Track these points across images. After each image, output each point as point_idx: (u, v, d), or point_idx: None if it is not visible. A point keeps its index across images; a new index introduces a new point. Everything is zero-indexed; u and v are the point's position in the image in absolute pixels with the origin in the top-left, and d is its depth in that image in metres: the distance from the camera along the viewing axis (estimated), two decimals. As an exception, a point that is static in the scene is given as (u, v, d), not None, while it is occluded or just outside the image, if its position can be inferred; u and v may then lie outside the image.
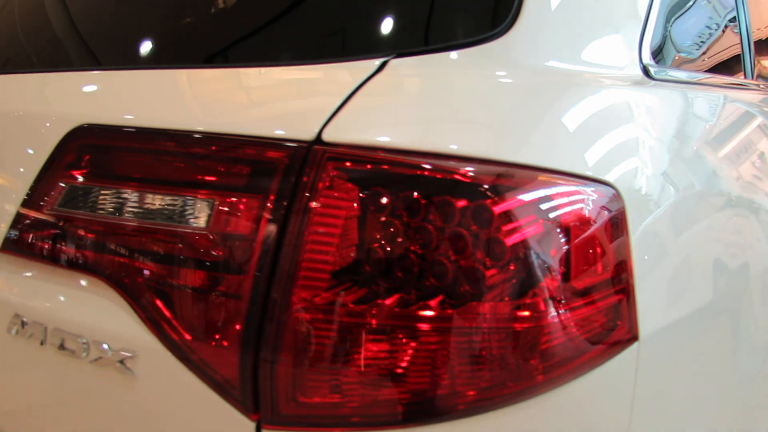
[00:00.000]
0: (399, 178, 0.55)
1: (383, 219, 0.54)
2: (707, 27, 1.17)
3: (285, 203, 0.56)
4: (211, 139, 0.60)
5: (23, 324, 0.70)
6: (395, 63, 0.63)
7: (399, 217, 0.54)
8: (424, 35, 0.67)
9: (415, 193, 0.54)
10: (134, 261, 0.62)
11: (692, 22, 1.11)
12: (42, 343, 0.68)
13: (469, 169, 0.55)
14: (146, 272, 0.61)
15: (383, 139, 0.56)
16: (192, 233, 0.59)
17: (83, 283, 0.67)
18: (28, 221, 0.69)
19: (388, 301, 0.54)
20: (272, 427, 0.57)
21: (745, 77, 1.31)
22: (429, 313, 0.54)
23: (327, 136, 0.57)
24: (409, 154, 0.56)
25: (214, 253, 0.58)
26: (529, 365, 0.56)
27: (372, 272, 0.54)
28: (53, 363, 0.68)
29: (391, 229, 0.54)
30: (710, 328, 0.72)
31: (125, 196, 0.63)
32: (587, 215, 0.59)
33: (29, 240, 0.69)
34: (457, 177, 0.55)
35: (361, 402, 0.55)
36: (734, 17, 1.30)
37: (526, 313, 0.55)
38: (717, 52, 1.21)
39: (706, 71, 1.12)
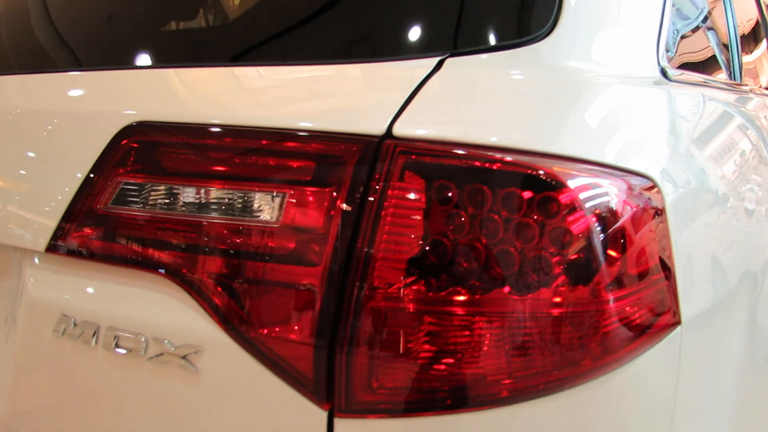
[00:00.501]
0: (467, 171, 0.57)
1: (452, 211, 0.56)
2: (702, 29, 1.23)
3: (358, 196, 0.57)
4: (279, 134, 0.61)
5: (74, 324, 0.69)
6: (451, 62, 0.65)
7: (467, 208, 0.56)
8: (475, 36, 0.70)
9: (484, 186, 0.57)
10: (200, 256, 0.62)
11: (688, 25, 1.17)
12: (94, 343, 0.68)
13: (534, 163, 0.57)
14: (214, 267, 0.62)
15: (451, 134, 0.58)
16: (262, 227, 0.60)
17: (141, 280, 0.67)
18: (77, 220, 0.68)
19: (458, 291, 0.56)
20: (345, 415, 0.58)
21: (732, 76, 1.38)
22: (498, 301, 0.57)
23: (397, 131, 0.58)
24: (476, 148, 0.58)
25: (286, 246, 0.59)
26: (588, 350, 0.59)
27: (443, 263, 0.56)
28: (107, 362, 0.68)
29: (460, 221, 0.56)
30: (741, 313, 0.77)
31: (187, 192, 0.63)
32: (635, 205, 0.62)
33: (79, 239, 0.69)
34: (523, 170, 0.57)
35: (432, 387, 0.57)
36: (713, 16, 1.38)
37: (588, 300, 0.58)
38: (709, 53, 1.27)
39: (704, 71, 1.18)
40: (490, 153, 0.58)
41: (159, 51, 0.77)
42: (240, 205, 0.61)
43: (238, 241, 0.61)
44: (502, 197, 0.57)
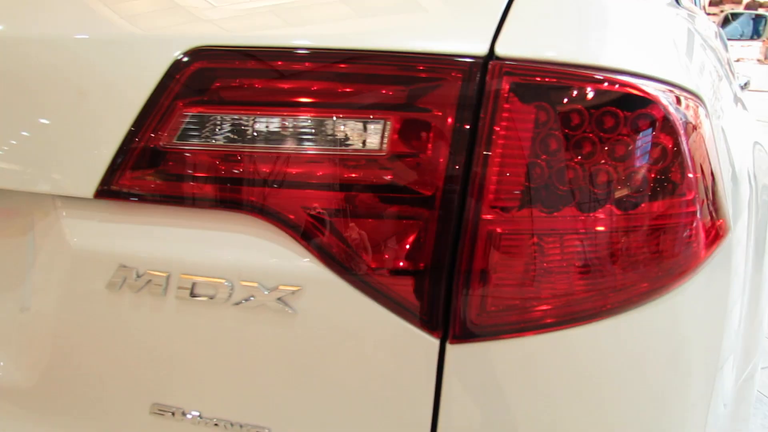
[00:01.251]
0: (571, 90, 0.57)
1: (560, 130, 0.56)
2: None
3: (467, 119, 0.56)
4: (373, 56, 0.57)
5: (136, 275, 0.63)
6: (528, -18, 0.64)
7: (573, 128, 0.56)
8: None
9: (587, 105, 0.57)
10: (297, 191, 0.58)
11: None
12: (163, 293, 0.63)
13: (633, 82, 0.58)
14: (314, 203, 0.58)
15: (552, 53, 0.58)
16: (367, 156, 0.57)
17: (218, 222, 0.62)
18: (135, 160, 0.61)
19: (569, 210, 0.57)
20: (457, 341, 0.59)
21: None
22: (605, 219, 0.58)
23: (500, 52, 0.57)
24: (577, 67, 0.58)
25: (393, 175, 0.57)
26: (678, 260, 0.62)
27: (553, 183, 0.56)
28: (182, 312, 0.63)
29: (568, 140, 0.56)
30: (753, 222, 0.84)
31: (273, 123, 0.58)
32: (699, 122, 0.65)
33: (139, 181, 0.62)
34: (624, 90, 0.58)
35: (542, 306, 0.58)
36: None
37: (680, 211, 0.61)
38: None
39: None
40: (589, 72, 0.58)
41: None
42: (339, 135, 0.58)
43: (340, 172, 0.58)
44: (604, 115, 0.57)
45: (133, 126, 0.61)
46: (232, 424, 0.67)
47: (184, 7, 0.64)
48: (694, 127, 0.63)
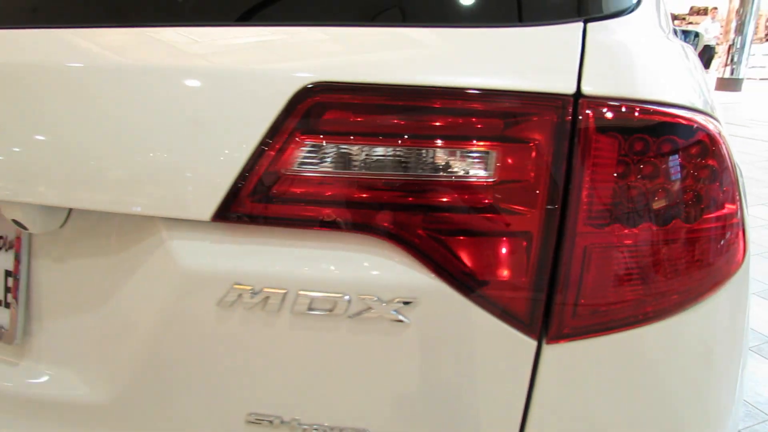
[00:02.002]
0: (649, 124, 0.67)
1: (642, 159, 0.66)
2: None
3: (562, 149, 0.64)
4: (474, 94, 0.64)
5: (252, 293, 0.67)
6: (591, 26, 0.73)
7: (653, 157, 0.66)
8: (597, 5, 0.78)
9: (663, 137, 0.67)
10: (413, 214, 0.64)
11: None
12: (279, 309, 0.67)
13: (690, 116, 0.69)
14: (429, 223, 0.64)
15: (626, 92, 0.67)
16: (476, 182, 0.64)
17: (331, 242, 0.67)
18: (254, 185, 0.65)
19: (651, 227, 0.67)
20: (553, 341, 0.67)
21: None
22: (674, 230, 0.68)
23: (586, 90, 0.66)
24: (653, 104, 0.68)
25: (500, 198, 0.64)
26: (721, 265, 0.73)
27: (638, 203, 0.66)
28: (296, 326, 0.67)
29: (649, 168, 0.66)
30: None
31: (386, 152, 0.64)
32: (725, 139, 0.77)
33: (256, 204, 0.66)
34: (685, 121, 0.68)
35: (628, 307, 0.67)
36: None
37: (732, 222, 0.72)
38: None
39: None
40: (654, 107, 0.68)
41: (329, 9, 0.73)
42: (449, 163, 0.65)
43: (452, 196, 0.65)
44: (679, 146, 0.68)
45: (252, 154, 0.65)
46: (332, 429, 0.72)
47: (301, 44, 0.69)
48: (725, 145, 0.74)
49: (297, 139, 0.65)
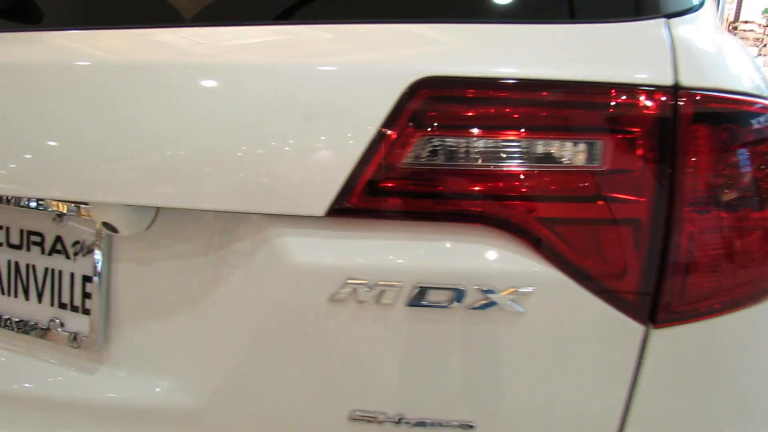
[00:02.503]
0: (740, 112, 0.70)
1: (737, 148, 0.69)
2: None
3: (666, 139, 0.67)
4: (580, 86, 0.66)
5: (367, 288, 0.67)
6: (672, 22, 0.76)
7: (747, 145, 0.69)
8: (673, 2, 0.81)
9: (749, 124, 0.70)
10: (529, 203, 0.66)
11: None
12: (392, 303, 0.67)
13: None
14: (545, 212, 0.66)
15: (721, 83, 0.70)
16: (586, 170, 0.66)
17: (446, 233, 0.68)
18: (369, 179, 0.66)
19: (749, 213, 0.69)
20: (660, 326, 0.69)
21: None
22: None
23: (683, 82, 0.68)
24: (739, 94, 0.71)
25: (610, 186, 0.66)
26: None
27: (735, 188, 0.69)
28: (411, 319, 0.68)
29: (745, 156, 0.69)
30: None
31: (501, 144, 0.66)
32: None
33: (371, 199, 0.66)
34: (769, 111, 0.72)
35: (731, 291, 0.70)
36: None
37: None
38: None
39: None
40: (745, 98, 0.71)
41: (435, 6, 0.74)
42: (559, 153, 0.66)
43: (564, 185, 0.66)
44: (762, 131, 0.71)
45: (368, 148, 0.66)
46: (437, 423, 0.73)
47: (413, 39, 0.70)
48: None
49: (411, 131, 0.66)
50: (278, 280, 0.70)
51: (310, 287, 0.69)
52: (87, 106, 0.73)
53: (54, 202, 0.84)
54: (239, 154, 0.67)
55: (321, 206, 0.67)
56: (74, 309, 0.85)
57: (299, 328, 0.71)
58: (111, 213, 0.74)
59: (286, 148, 0.67)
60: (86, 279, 0.83)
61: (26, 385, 0.86)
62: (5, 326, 0.89)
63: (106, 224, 0.76)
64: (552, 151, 0.67)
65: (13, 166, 0.75)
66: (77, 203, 0.82)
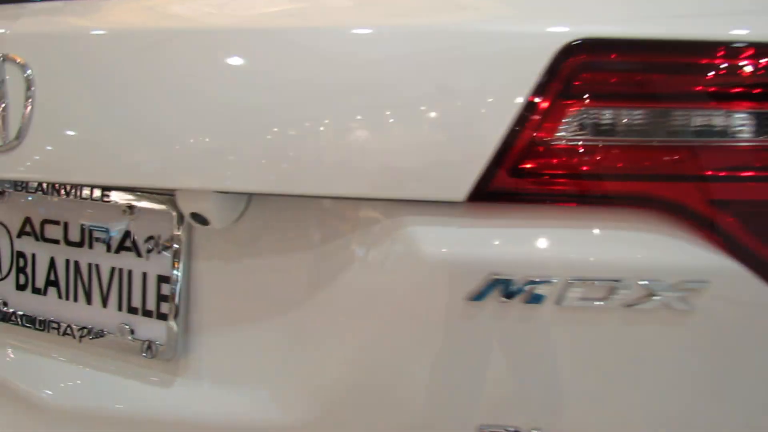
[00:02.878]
0: None
1: None
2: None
3: None
4: (752, 48, 0.57)
5: (511, 285, 0.57)
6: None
7: None
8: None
9: None
10: (697, 183, 0.56)
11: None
12: (544, 301, 0.58)
13: None
14: (715, 192, 0.57)
15: None
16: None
17: (604, 218, 0.58)
18: (516, 157, 0.56)
19: None
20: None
21: None
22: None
23: None
24: None
25: None
26: None
27: None
28: (565, 321, 0.58)
29: None
30: None
31: (659, 114, 0.56)
32: None
33: (518, 179, 0.57)
34: None
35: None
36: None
37: None
38: None
39: None
40: None
41: None
42: (731, 125, 0.57)
43: (741, 162, 0.57)
44: None
45: (513, 123, 0.56)
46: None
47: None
48: None
49: (564, 102, 0.57)
50: (406, 276, 0.60)
51: (445, 284, 0.59)
52: (180, 75, 0.63)
53: (119, 193, 0.74)
54: (362, 129, 0.58)
55: (461, 190, 0.57)
56: (147, 314, 0.75)
57: (429, 331, 0.61)
58: (203, 202, 0.64)
59: (420, 122, 0.57)
60: (162, 279, 0.73)
61: (91, 401, 0.75)
62: (64, 333, 0.79)
63: (195, 215, 0.66)
64: (724, 123, 0.58)
65: (91, 153, 0.65)
66: (151, 192, 0.72)
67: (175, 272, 0.72)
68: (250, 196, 0.69)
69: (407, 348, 0.63)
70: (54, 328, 0.80)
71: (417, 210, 0.60)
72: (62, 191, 0.77)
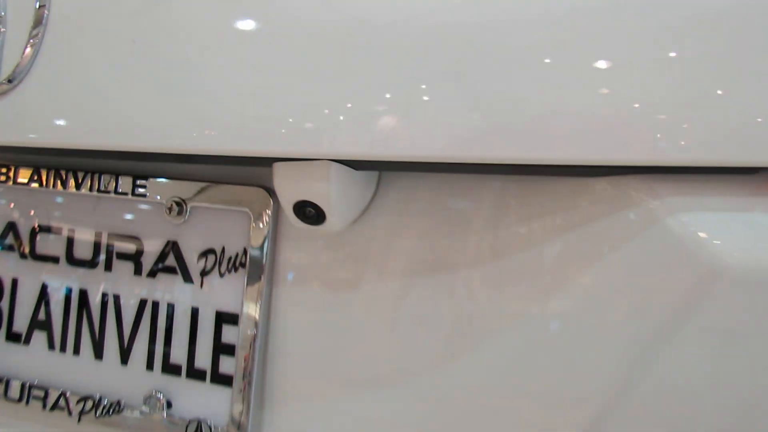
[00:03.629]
0: None
1: None
2: None
3: None
4: None
5: None
6: None
7: None
8: None
9: None
10: None
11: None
12: None
13: None
14: None
15: None
16: None
17: None
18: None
19: None
20: None
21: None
22: None
23: None
24: None
25: None
26: None
27: None
28: None
29: None
30: None
31: None
32: None
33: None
34: None
35: None
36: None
37: None
38: None
39: None
40: None
41: None
42: None
43: None
44: None
45: None
46: None
47: None
48: None
49: None
50: (675, 287, 0.34)
51: (745, 299, 0.34)
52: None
53: (162, 182, 0.48)
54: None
55: None
56: (195, 375, 0.47)
57: (700, 363, 0.35)
58: (323, 181, 0.39)
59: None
60: (224, 318, 0.47)
61: None
62: (54, 407, 0.50)
63: (302, 209, 0.40)
64: None
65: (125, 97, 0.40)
66: (217, 180, 0.46)
67: (247, 307, 0.45)
68: (378, 181, 0.44)
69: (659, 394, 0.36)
70: (38, 397, 0.51)
71: (698, 187, 0.36)
72: (71, 180, 0.50)
